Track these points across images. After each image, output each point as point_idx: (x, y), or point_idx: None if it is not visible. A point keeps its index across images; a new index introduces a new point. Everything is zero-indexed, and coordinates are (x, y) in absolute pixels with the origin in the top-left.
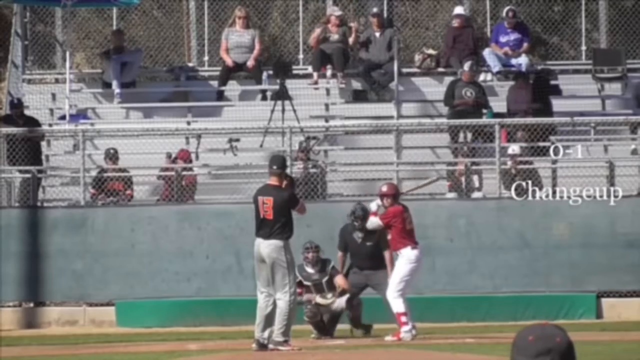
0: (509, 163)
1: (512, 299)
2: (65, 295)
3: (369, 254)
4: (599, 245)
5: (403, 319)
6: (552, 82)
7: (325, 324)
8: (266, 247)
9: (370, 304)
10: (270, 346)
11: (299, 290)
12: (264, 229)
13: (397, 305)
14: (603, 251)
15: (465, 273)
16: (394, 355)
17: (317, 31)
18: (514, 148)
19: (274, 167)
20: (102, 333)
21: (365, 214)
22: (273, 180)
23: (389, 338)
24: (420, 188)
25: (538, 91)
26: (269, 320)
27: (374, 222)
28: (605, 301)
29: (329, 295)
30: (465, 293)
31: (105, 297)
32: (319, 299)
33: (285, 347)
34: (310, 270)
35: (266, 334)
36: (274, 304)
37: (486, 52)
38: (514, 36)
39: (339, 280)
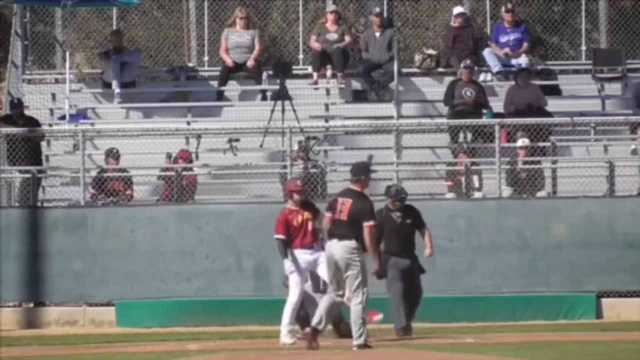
0: (520, 152)
1: (512, 299)
2: (65, 295)
3: (407, 234)
4: (599, 245)
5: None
6: (552, 82)
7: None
8: (340, 247)
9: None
10: (354, 349)
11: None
12: (337, 230)
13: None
14: (603, 251)
15: (465, 273)
16: (394, 356)
17: (314, 30)
18: (524, 140)
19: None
20: (102, 333)
21: (403, 194)
22: (356, 186)
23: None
24: None
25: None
26: (329, 313)
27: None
28: (605, 301)
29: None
30: (465, 293)
31: (105, 297)
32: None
33: (370, 345)
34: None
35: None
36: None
37: (486, 52)
38: (513, 36)
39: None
